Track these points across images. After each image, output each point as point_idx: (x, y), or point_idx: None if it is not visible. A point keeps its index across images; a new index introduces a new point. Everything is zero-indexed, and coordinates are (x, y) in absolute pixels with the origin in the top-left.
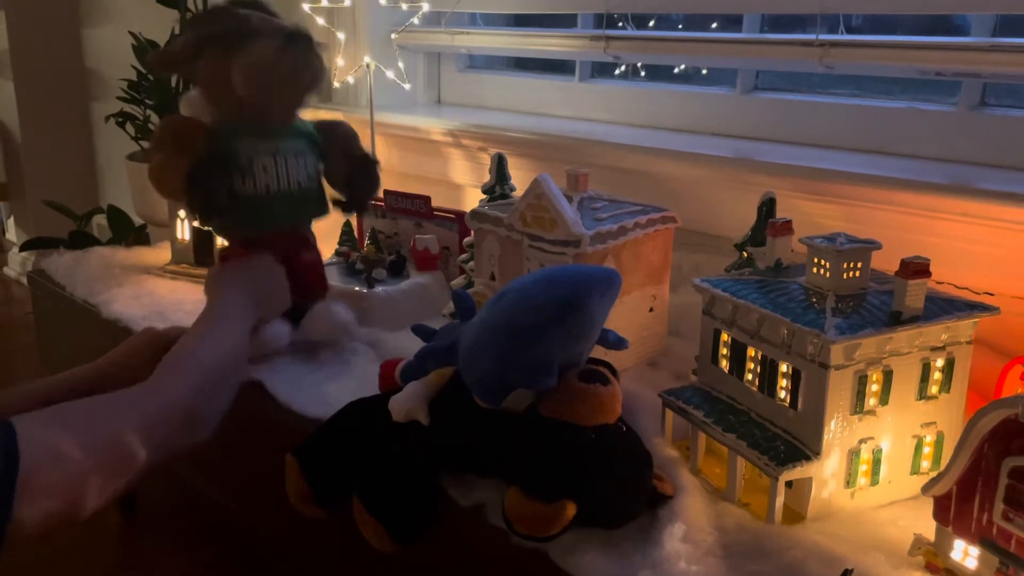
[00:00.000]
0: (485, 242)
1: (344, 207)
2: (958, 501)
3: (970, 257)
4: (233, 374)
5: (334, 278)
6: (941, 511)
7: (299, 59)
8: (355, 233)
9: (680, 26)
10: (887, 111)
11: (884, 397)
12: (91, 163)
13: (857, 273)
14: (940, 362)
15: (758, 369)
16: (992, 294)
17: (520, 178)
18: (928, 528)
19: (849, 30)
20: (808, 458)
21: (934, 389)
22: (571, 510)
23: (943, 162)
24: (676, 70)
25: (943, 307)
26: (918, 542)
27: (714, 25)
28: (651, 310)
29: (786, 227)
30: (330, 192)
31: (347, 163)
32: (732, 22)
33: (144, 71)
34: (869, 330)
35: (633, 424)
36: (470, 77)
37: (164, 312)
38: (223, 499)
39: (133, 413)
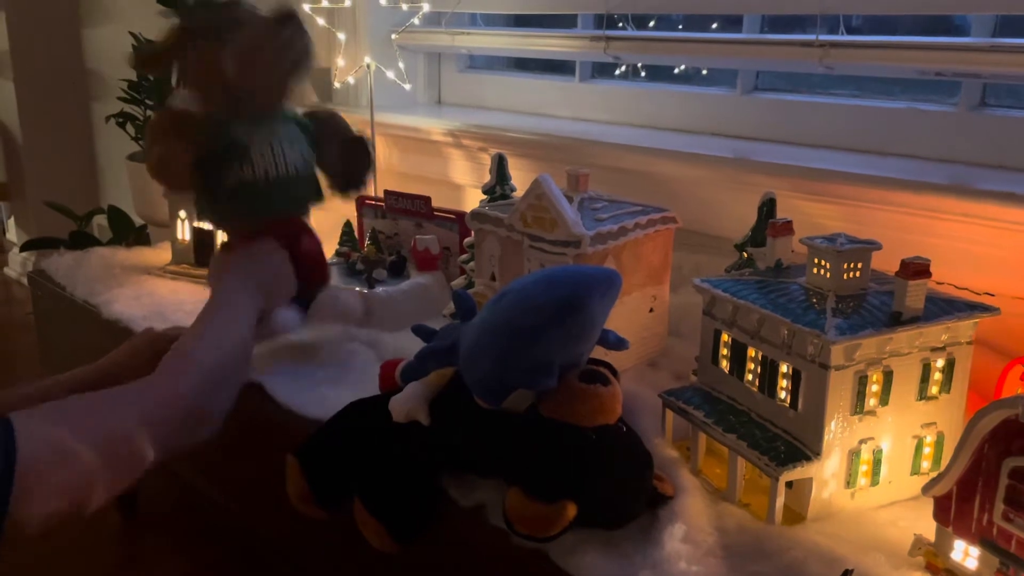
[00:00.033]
0: (485, 242)
1: (341, 187)
2: (958, 501)
3: (970, 258)
4: (237, 370)
5: (334, 279)
6: (941, 511)
7: (289, 38)
8: (355, 233)
9: (680, 26)
10: (887, 111)
11: (884, 397)
12: (91, 163)
13: (857, 274)
14: (940, 362)
15: (758, 369)
16: (992, 294)
17: (520, 178)
18: (928, 528)
19: (849, 30)
20: (808, 458)
21: (934, 389)
22: (572, 510)
23: (943, 162)
24: (676, 70)
25: (943, 308)
26: (918, 542)
27: (714, 25)
28: (651, 310)
29: (786, 227)
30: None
31: (339, 146)
32: (732, 22)
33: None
34: (869, 330)
35: (633, 424)
36: (470, 77)
37: (165, 312)
38: (223, 499)
39: (138, 410)
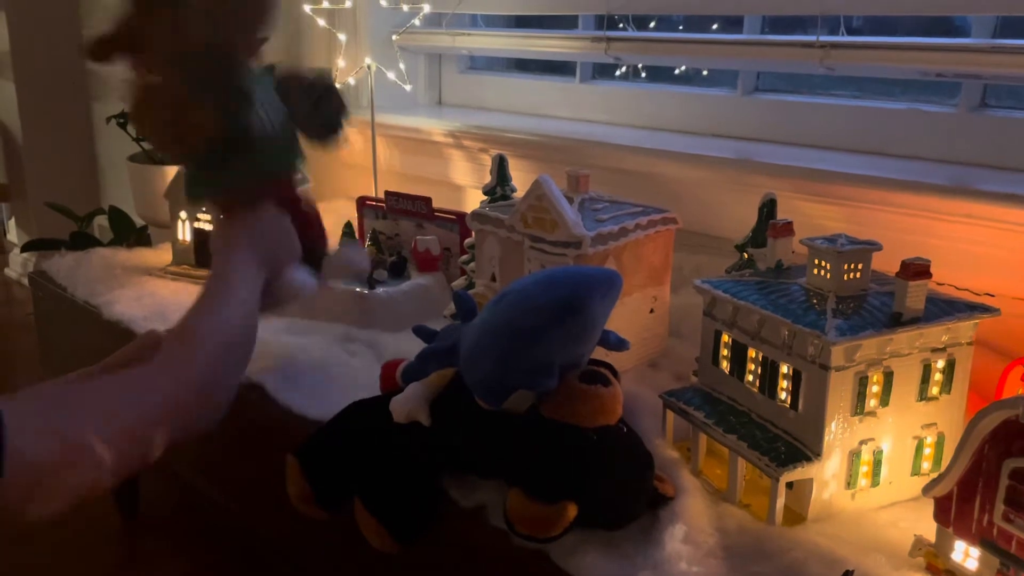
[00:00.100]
0: (486, 243)
1: (321, 137)
2: (959, 502)
3: (971, 258)
4: (244, 347)
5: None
6: (942, 512)
7: None
8: (356, 234)
9: (681, 27)
10: (888, 112)
11: (885, 398)
12: (92, 164)
13: (858, 274)
14: (941, 363)
15: (759, 370)
16: (993, 295)
17: (521, 179)
18: (929, 529)
19: (850, 31)
20: (809, 459)
21: (935, 390)
22: (572, 511)
23: (944, 163)
24: (677, 71)
25: (944, 308)
26: (919, 543)
27: (715, 26)
28: (652, 311)
29: (787, 228)
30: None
31: (307, 96)
32: (733, 23)
33: None
34: (870, 331)
35: (634, 425)
36: (471, 78)
37: (166, 313)
38: (223, 499)
39: (146, 395)
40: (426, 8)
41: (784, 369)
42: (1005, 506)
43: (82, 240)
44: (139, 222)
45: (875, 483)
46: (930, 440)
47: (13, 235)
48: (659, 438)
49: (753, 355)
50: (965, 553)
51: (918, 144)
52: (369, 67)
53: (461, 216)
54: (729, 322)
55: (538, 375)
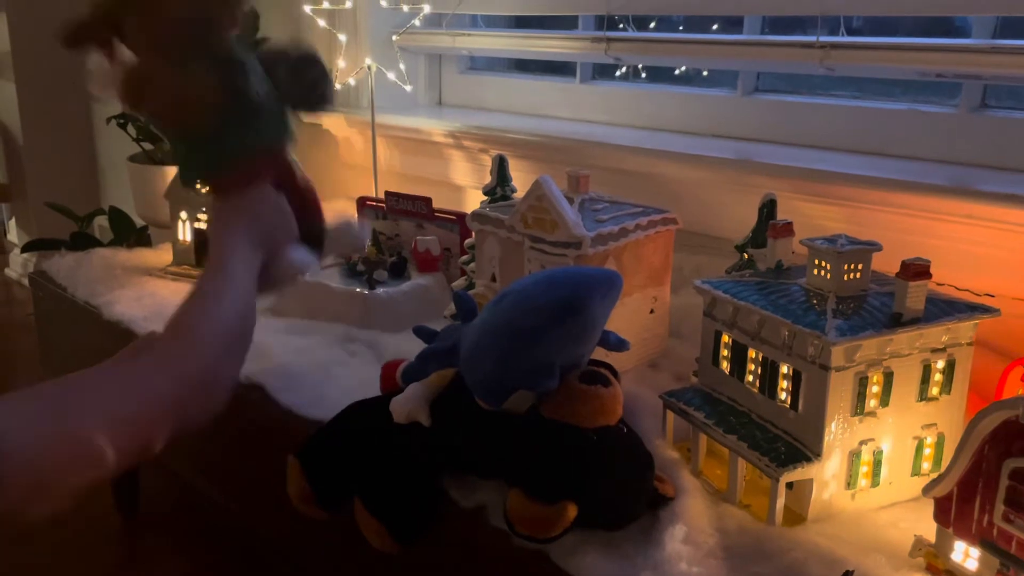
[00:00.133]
0: (486, 244)
1: (307, 107)
2: (959, 503)
3: (971, 259)
4: (243, 334)
5: (335, 280)
6: (942, 512)
7: None
8: None
9: (681, 28)
10: (888, 113)
11: (885, 399)
12: (92, 164)
13: (858, 275)
14: (941, 364)
15: (759, 371)
16: (993, 295)
17: (521, 180)
18: (929, 530)
19: (850, 32)
20: (809, 459)
21: (935, 391)
22: (572, 511)
23: (944, 164)
24: (677, 72)
25: (944, 309)
26: (919, 543)
27: (715, 27)
28: (652, 312)
29: (787, 229)
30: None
31: (289, 66)
32: (733, 24)
33: None
34: (870, 332)
35: (634, 425)
36: (471, 79)
37: (166, 313)
38: (223, 499)
39: (146, 389)
40: (426, 8)
41: (784, 369)
42: (1005, 506)
43: (82, 240)
44: (139, 222)
45: (875, 483)
46: (930, 440)
47: (13, 235)
48: (659, 438)
49: (753, 355)
50: (965, 553)
51: (918, 144)
52: (369, 67)
53: (461, 216)
54: (729, 322)
55: (538, 375)
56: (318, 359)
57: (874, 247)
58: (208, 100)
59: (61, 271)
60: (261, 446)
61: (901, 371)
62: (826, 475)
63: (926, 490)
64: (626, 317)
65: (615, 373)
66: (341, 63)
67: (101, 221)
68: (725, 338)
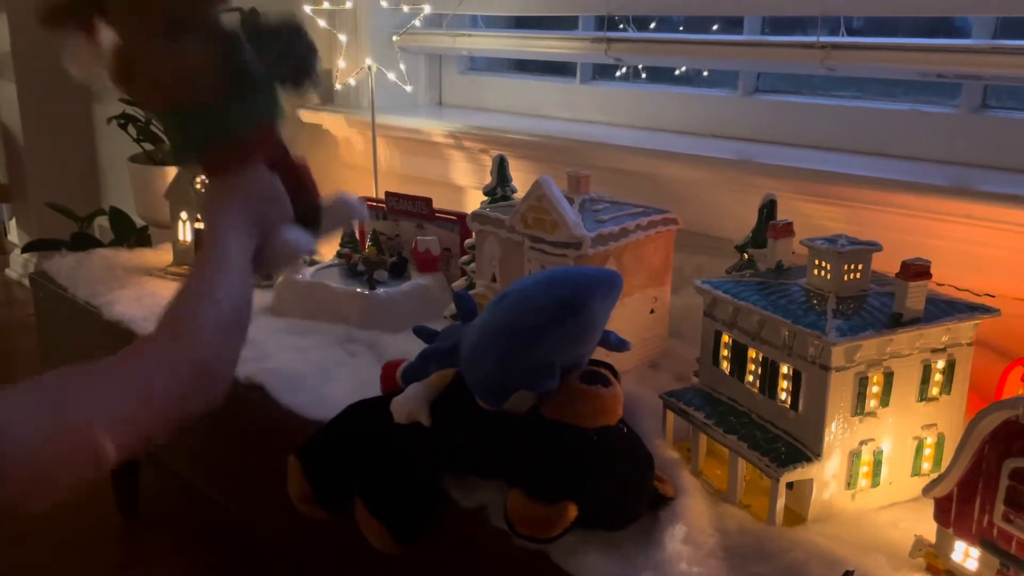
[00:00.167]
0: (486, 244)
1: (294, 82)
2: (959, 503)
3: (971, 259)
4: (240, 321)
5: (336, 280)
6: (942, 513)
7: None
8: (357, 235)
9: (681, 28)
10: (888, 113)
11: (885, 399)
12: (93, 165)
13: (858, 275)
14: (941, 364)
15: (759, 371)
16: (993, 296)
17: (521, 180)
18: (929, 530)
19: (850, 32)
20: (809, 460)
21: (935, 391)
22: (573, 511)
23: (944, 164)
24: (677, 72)
25: (944, 309)
26: (919, 544)
27: (715, 27)
28: (652, 312)
29: (787, 229)
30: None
31: (274, 39)
32: (733, 24)
33: None
34: (870, 332)
35: (634, 426)
36: (471, 79)
37: None
38: (223, 499)
39: (143, 380)
40: (426, 9)
41: (784, 369)
42: (1005, 506)
43: (83, 241)
44: (140, 223)
45: (875, 483)
46: (930, 440)
47: (14, 236)
48: (659, 438)
49: (753, 355)
50: (965, 553)
51: (919, 145)
52: (370, 68)
53: (461, 217)
54: (729, 323)
55: (538, 375)
56: (318, 359)
57: (874, 247)
58: (204, 74)
59: (62, 271)
60: (261, 446)
61: (901, 371)
62: (826, 475)
63: (926, 490)
64: (626, 317)
65: (615, 373)
66: (341, 63)
67: (101, 221)
68: (725, 338)
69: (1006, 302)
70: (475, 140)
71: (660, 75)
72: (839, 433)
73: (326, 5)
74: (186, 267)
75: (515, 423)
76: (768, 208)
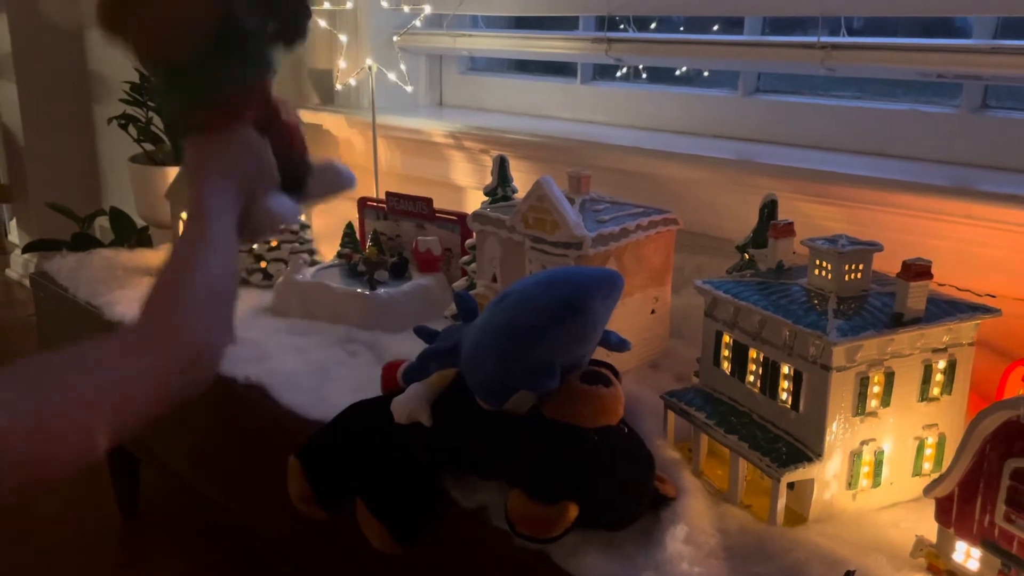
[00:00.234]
0: (487, 244)
1: (286, 39)
2: (960, 503)
3: (972, 259)
4: (230, 292)
5: (336, 280)
6: (943, 513)
7: None
8: (357, 235)
9: (681, 28)
10: (889, 113)
11: (886, 399)
12: (93, 165)
13: (859, 275)
14: (942, 364)
15: (760, 371)
16: (994, 296)
17: (522, 180)
18: (930, 530)
19: (850, 32)
20: (810, 460)
21: (936, 391)
22: (573, 512)
23: (945, 164)
24: (678, 72)
25: (945, 309)
26: (920, 544)
27: (715, 27)
28: (653, 312)
29: (788, 229)
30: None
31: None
32: (733, 24)
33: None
34: (871, 332)
35: (635, 426)
36: (472, 79)
37: None
38: (223, 499)
39: (131, 360)
40: (427, 9)
41: (785, 370)
42: (1006, 506)
43: (83, 241)
44: (140, 223)
45: (876, 484)
46: (931, 441)
47: (14, 236)
48: (660, 439)
49: (754, 356)
50: (966, 554)
51: (919, 145)
52: (370, 68)
53: (462, 217)
54: (730, 323)
55: (539, 375)
56: (318, 359)
57: (875, 247)
58: (201, 20)
59: (62, 272)
60: (261, 446)
61: (902, 371)
62: (827, 475)
63: (927, 490)
64: (627, 317)
65: (616, 373)
66: (342, 63)
67: (102, 222)
68: (726, 338)
69: (1007, 302)
70: (476, 140)
71: (660, 75)
72: (840, 433)
73: (326, 5)
74: None
75: (516, 423)
76: (769, 208)
